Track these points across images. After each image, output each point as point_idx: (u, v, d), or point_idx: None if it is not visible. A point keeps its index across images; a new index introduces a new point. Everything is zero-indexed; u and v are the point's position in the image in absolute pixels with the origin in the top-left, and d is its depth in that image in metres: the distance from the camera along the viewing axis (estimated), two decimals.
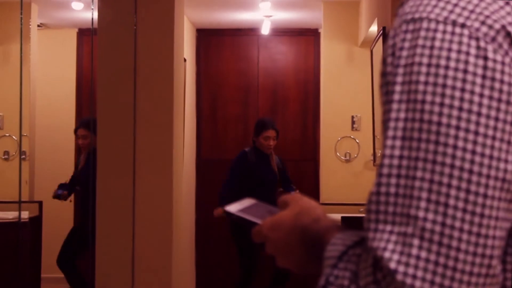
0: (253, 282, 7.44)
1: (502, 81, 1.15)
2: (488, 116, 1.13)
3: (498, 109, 1.14)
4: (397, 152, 1.15)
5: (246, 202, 1.53)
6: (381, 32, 5.31)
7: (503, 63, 1.15)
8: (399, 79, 1.17)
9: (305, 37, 9.10)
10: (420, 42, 1.17)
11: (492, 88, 1.14)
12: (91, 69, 7.13)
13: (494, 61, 1.15)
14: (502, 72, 1.15)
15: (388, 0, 5.03)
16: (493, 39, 1.16)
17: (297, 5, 8.06)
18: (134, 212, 5.70)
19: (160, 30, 5.79)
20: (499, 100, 1.14)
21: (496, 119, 1.13)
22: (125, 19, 5.73)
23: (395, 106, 1.16)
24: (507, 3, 1.19)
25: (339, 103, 7.94)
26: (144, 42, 5.75)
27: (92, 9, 6.06)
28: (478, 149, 1.12)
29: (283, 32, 9.07)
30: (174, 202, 5.86)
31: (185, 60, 7.29)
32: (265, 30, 8.63)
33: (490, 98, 1.14)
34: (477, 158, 1.12)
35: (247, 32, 9.09)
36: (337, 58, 7.96)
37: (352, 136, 7.92)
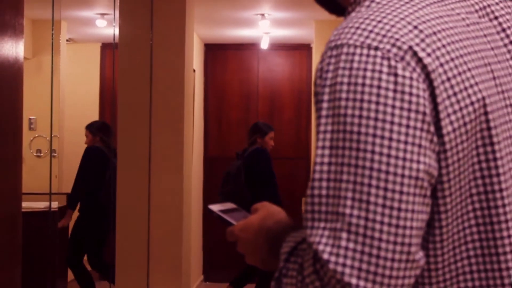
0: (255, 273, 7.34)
1: (410, 94, 1.16)
2: (400, 124, 1.15)
3: (408, 118, 1.16)
4: (326, 160, 1.18)
5: (228, 205, 1.56)
6: None
7: (411, 78, 1.17)
8: (326, 97, 1.19)
9: (299, 51, 9.10)
10: (341, 64, 1.19)
11: (402, 100, 1.16)
12: (112, 78, 7.15)
13: (403, 76, 1.17)
14: (411, 86, 1.16)
15: None
16: (402, 58, 1.18)
17: (292, 23, 8.07)
18: (149, 203, 5.71)
19: (172, 44, 5.80)
20: (409, 110, 1.16)
21: (407, 126, 1.15)
22: (143, 35, 5.74)
23: (323, 120, 1.19)
24: (415, 27, 1.20)
25: None
26: (159, 55, 5.76)
27: (114, 26, 6.07)
28: (393, 152, 1.14)
29: (280, 47, 9.07)
30: (184, 194, 5.86)
31: (194, 70, 7.30)
32: (264, 45, 8.63)
33: (401, 108, 1.16)
34: (392, 161, 1.14)
35: (248, 47, 9.09)
36: None
37: None
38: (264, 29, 8.03)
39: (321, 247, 1.14)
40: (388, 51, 1.18)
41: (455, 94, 1.20)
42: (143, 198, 5.67)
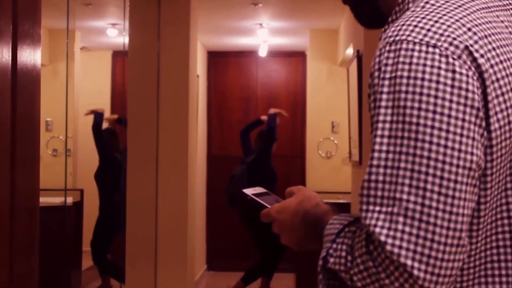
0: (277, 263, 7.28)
1: (467, 90, 1.17)
2: (456, 117, 1.16)
3: (464, 112, 1.16)
4: (384, 148, 1.17)
5: (259, 189, 1.55)
6: (356, 54, 5.31)
7: (467, 76, 1.18)
8: (385, 89, 1.19)
9: (295, 58, 9.11)
10: (401, 59, 1.19)
11: (459, 95, 1.16)
12: (122, 83, 7.14)
13: (461, 73, 1.17)
14: (467, 82, 1.17)
15: (361, 29, 5.03)
16: (459, 57, 1.18)
17: (288, 33, 8.07)
18: (157, 198, 5.71)
19: (178, 52, 5.80)
20: (465, 105, 1.16)
21: (463, 119, 1.16)
22: (150, 44, 5.75)
23: (382, 110, 1.19)
24: (469, 29, 1.21)
25: (321, 111, 7.95)
26: (165, 61, 5.76)
27: (124, 35, 6.07)
28: (449, 143, 1.15)
29: (277, 54, 9.08)
30: (189, 190, 5.86)
31: (198, 76, 7.30)
32: (263, 52, 8.63)
33: (458, 103, 1.16)
34: (448, 151, 1.14)
35: (248, 54, 9.09)
36: (320, 75, 7.97)
37: (331, 138, 7.92)
38: (263, 37, 8.04)
39: (377, 230, 1.14)
40: (446, 49, 1.19)
41: (502, 94, 1.20)
42: (151, 194, 5.67)
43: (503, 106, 1.20)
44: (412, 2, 1.32)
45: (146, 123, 5.68)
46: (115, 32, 7.26)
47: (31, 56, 2.22)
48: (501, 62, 1.22)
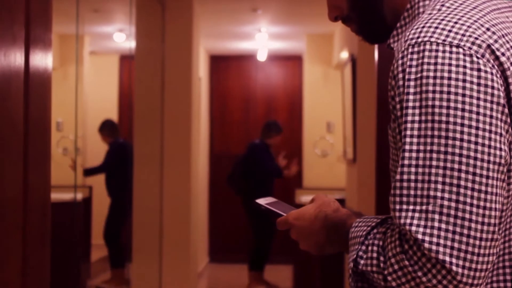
0: (269, 250, 7.29)
1: (492, 87, 1.15)
2: (484, 114, 1.14)
3: (491, 109, 1.15)
4: (414, 147, 1.15)
5: (270, 199, 1.52)
6: (350, 58, 5.32)
7: (492, 73, 1.16)
8: (412, 90, 1.17)
9: (292, 62, 9.11)
10: (426, 60, 1.17)
11: (485, 93, 1.15)
12: (129, 86, 7.15)
13: (485, 72, 1.16)
14: (492, 80, 1.16)
15: (354, 34, 5.03)
16: (482, 55, 1.17)
17: (286, 37, 8.07)
18: (162, 194, 5.72)
19: (181, 56, 5.81)
20: (492, 102, 1.15)
21: (491, 116, 1.14)
22: (156, 48, 5.75)
23: (410, 111, 1.16)
24: (488, 29, 1.20)
25: (317, 112, 7.95)
26: (169, 65, 5.77)
27: (130, 40, 6.07)
28: (479, 140, 1.13)
29: (275, 58, 9.08)
30: (192, 186, 5.87)
31: (200, 78, 7.30)
32: (261, 57, 8.64)
33: (485, 100, 1.15)
34: (479, 148, 1.12)
35: (248, 58, 9.09)
36: (316, 78, 7.97)
37: (327, 137, 7.92)
38: (262, 42, 8.04)
39: (414, 228, 1.12)
40: (470, 48, 1.17)
41: None
42: (156, 190, 5.68)
43: None
44: (423, 7, 1.30)
45: (151, 123, 5.69)
46: (122, 37, 7.26)
47: (42, 60, 2.22)
48: None
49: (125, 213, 6.39)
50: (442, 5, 1.25)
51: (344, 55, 5.99)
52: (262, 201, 1.49)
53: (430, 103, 1.15)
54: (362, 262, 1.22)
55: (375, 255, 1.20)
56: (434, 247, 1.11)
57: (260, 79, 9.14)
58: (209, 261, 8.92)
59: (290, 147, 8.99)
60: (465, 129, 1.13)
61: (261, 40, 7.85)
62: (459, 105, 1.14)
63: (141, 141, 5.70)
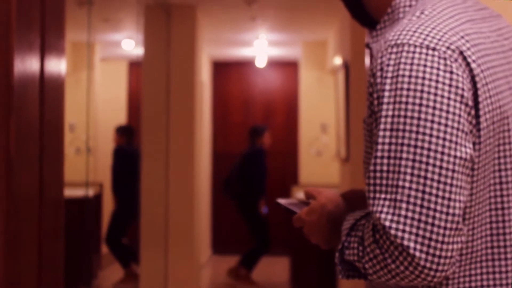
0: (267, 247, 7.22)
1: (463, 89, 1.16)
2: (454, 113, 1.15)
3: (460, 109, 1.16)
4: (387, 140, 1.16)
5: (291, 200, 1.54)
6: (343, 63, 5.32)
7: (462, 77, 1.17)
8: (387, 87, 1.18)
9: (289, 67, 9.11)
10: (403, 60, 1.18)
11: (456, 94, 1.16)
12: (137, 90, 7.15)
13: (457, 75, 1.17)
14: (462, 83, 1.17)
15: (347, 41, 5.04)
16: (455, 60, 1.18)
17: (283, 44, 8.08)
18: (167, 191, 5.72)
19: (186, 62, 5.81)
20: (461, 103, 1.16)
21: (459, 115, 1.15)
22: (162, 55, 5.76)
23: (384, 106, 1.17)
24: (462, 37, 1.21)
25: (312, 114, 7.95)
26: (174, 70, 5.78)
27: (138, 47, 6.07)
28: (447, 137, 1.14)
29: (273, 64, 9.08)
30: (196, 183, 5.88)
31: (203, 83, 7.31)
32: (260, 63, 8.64)
33: (455, 100, 1.16)
34: (447, 143, 1.13)
35: (247, 64, 9.09)
36: (311, 82, 7.97)
37: (321, 138, 7.93)
38: (260, 49, 8.04)
39: (383, 216, 1.13)
40: (444, 52, 1.18)
41: (490, 97, 1.20)
42: (162, 187, 5.68)
43: (490, 107, 1.20)
44: (403, 13, 1.30)
45: (158, 124, 5.70)
46: (130, 45, 7.27)
47: (56, 66, 2.23)
48: (487, 69, 1.22)
49: (131, 215, 6.35)
50: (422, 13, 1.25)
51: (337, 61, 5.99)
52: (283, 201, 1.51)
53: (404, 99, 1.16)
54: (347, 252, 1.23)
55: (355, 245, 1.21)
56: (399, 234, 1.12)
57: (259, 83, 9.15)
58: (212, 253, 8.92)
59: (287, 147, 9.00)
60: (435, 126, 1.14)
61: (260, 47, 7.86)
62: (431, 103, 1.15)
63: (148, 141, 5.70)
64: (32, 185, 1.99)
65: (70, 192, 5.53)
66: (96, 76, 7.35)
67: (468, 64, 1.19)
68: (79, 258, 5.76)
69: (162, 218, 5.68)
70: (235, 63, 9.17)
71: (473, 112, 1.17)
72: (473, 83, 1.19)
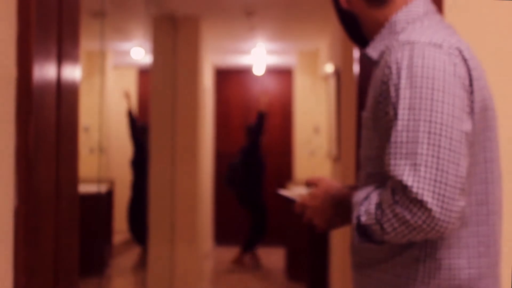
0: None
1: (464, 78, 1.30)
2: (459, 96, 1.27)
3: (463, 93, 1.29)
4: (406, 117, 1.26)
5: (289, 191, 1.61)
6: (334, 70, 5.33)
7: (463, 70, 1.31)
8: (404, 75, 1.28)
9: (284, 74, 9.11)
10: (416, 53, 1.29)
11: (460, 81, 1.29)
12: (146, 95, 7.15)
13: (460, 67, 1.30)
14: (464, 73, 1.30)
15: (338, 50, 5.05)
16: (457, 56, 1.31)
17: (279, 53, 8.08)
18: (174, 186, 5.72)
19: (190, 69, 5.82)
20: (463, 89, 1.29)
21: (462, 98, 1.28)
22: (169, 63, 5.76)
23: (402, 91, 1.27)
24: (458, 41, 1.34)
25: (306, 117, 7.96)
26: (180, 77, 5.78)
27: (147, 56, 6.07)
28: (456, 114, 1.26)
29: (270, 71, 9.08)
30: (199, 179, 5.88)
31: (207, 89, 7.31)
32: (258, 71, 8.63)
33: (459, 87, 1.28)
34: (455, 120, 1.25)
35: (246, 71, 9.09)
36: (305, 88, 7.98)
37: (314, 138, 7.93)
38: (258, 57, 8.05)
39: (405, 178, 1.23)
40: (448, 48, 1.30)
41: (479, 90, 1.33)
42: (168, 183, 5.69)
43: (479, 98, 1.32)
44: (401, 28, 1.41)
45: (165, 126, 5.70)
46: (139, 53, 7.27)
47: (72, 72, 2.23)
48: (475, 68, 1.34)
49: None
50: (422, 24, 1.39)
51: (329, 68, 6.00)
52: (283, 191, 1.60)
53: (418, 84, 1.26)
54: (363, 218, 1.30)
55: (373, 210, 1.29)
56: (420, 191, 1.21)
57: (257, 89, 9.15)
58: (214, 243, 8.92)
59: (283, 147, 9.01)
60: (445, 106, 1.25)
61: (258, 55, 7.86)
62: (441, 88, 1.26)
63: (156, 141, 5.71)
64: (49, 181, 2.00)
65: (84, 188, 5.54)
66: (108, 82, 7.35)
67: (466, 60, 1.31)
68: (92, 248, 5.76)
69: (168, 211, 5.68)
70: (236, 71, 9.17)
71: (471, 98, 1.30)
72: (469, 74, 1.31)
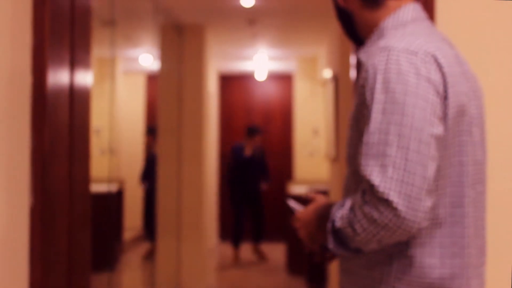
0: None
1: (438, 85, 1.28)
2: (432, 103, 1.25)
3: (436, 100, 1.26)
4: (378, 119, 1.25)
5: (295, 202, 1.58)
6: (333, 76, 5.33)
7: (437, 77, 1.28)
8: (379, 80, 1.27)
9: (285, 79, 9.11)
10: (391, 59, 1.28)
11: (433, 88, 1.27)
12: (154, 100, 7.15)
13: (434, 74, 1.28)
14: (438, 81, 1.28)
15: (336, 57, 5.05)
16: (432, 63, 1.28)
17: (280, 59, 8.08)
18: (180, 185, 5.73)
19: (196, 75, 5.82)
20: (436, 96, 1.27)
21: (433, 102, 1.26)
22: (175, 69, 5.77)
23: (376, 95, 1.26)
24: (436, 49, 1.32)
25: (305, 119, 7.95)
26: (186, 82, 5.78)
27: (155, 62, 6.08)
28: (427, 117, 1.24)
29: (271, 76, 9.08)
30: (204, 178, 5.88)
31: (211, 93, 7.31)
32: (259, 75, 8.64)
33: (432, 94, 1.26)
34: (426, 124, 1.24)
35: (248, 76, 9.10)
36: (304, 92, 7.98)
37: (313, 140, 7.93)
38: (260, 63, 8.05)
39: (373, 177, 1.22)
40: (423, 56, 1.28)
41: (454, 96, 1.30)
42: (175, 182, 5.69)
43: (454, 104, 1.30)
44: (387, 33, 1.39)
45: (172, 129, 5.71)
46: (148, 60, 7.27)
47: (84, 78, 2.23)
48: (452, 75, 1.31)
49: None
50: (403, 31, 1.36)
51: (327, 74, 6.00)
52: (291, 203, 1.57)
53: (391, 89, 1.25)
54: (337, 223, 1.30)
55: (346, 214, 1.28)
56: (386, 191, 1.20)
57: (259, 93, 9.15)
58: (219, 239, 8.92)
59: (284, 148, 9.00)
60: (416, 110, 1.23)
61: (260, 61, 7.86)
62: (413, 93, 1.24)
63: (164, 143, 5.71)
64: (63, 181, 2.00)
65: (95, 188, 5.54)
66: (118, 87, 7.35)
67: (441, 68, 1.29)
68: (104, 245, 5.76)
69: (175, 208, 5.68)
70: (239, 76, 9.17)
71: (444, 103, 1.28)
72: (444, 79, 1.29)
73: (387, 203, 1.19)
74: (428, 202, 1.21)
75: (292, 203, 1.54)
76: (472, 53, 1.85)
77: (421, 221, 1.21)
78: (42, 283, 1.81)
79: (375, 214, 1.21)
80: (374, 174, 1.21)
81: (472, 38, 2.07)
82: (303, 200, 1.54)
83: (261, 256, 7.30)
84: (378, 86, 1.26)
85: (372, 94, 1.27)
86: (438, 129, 1.25)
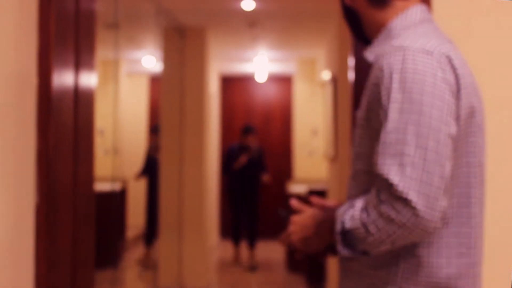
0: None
1: (452, 85, 1.26)
2: (448, 103, 1.24)
3: (450, 100, 1.25)
4: (396, 119, 1.23)
5: (287, 211, 1.54)
6: (331, 77, 5.33)
7: (451, 76, 1.27)
8: (395, 79, 1.25)
9: (285, 81, 9.11)
10: (407, 59, 1.26)
11: (448, 88, 1.25)
12: (157, 101, 7.17)
13: (449, 73, 1.26)
14: (452, 81, 1.27)
15: (335, 58, 5.05)
16: (446, 63, 1.27)
17: (280, 61, 8.09)
18: (182, 183, 5.73)
19: (197, 76, 5.83)
20: (451, 95, 1.25)
21: (449, 102, 1.25)
22: (177, 70, 5.77)
23: (393, 95, 1.24)
24: (449, 50, 1.31)
25: (304, 120, 7.96)
26: (188, 84, 5.79)
27: (158, 64, 6.08)
28: (443, 118, 1.23)
29: (271, 78, 9.08)
30: (206, 177, 5.88)
31: (213, 94, 7.31)
32: (260, 78, 8.64)
33: (448, 94, 1.25)
34: (442, 124, 1.23)
35: (249, 78, 9.10)
36: (303, 93, 7.98)
37: (312, 140, 7.93)
38: (260, 64, 8.05)
39: (391, 176, 1.19)
40: (439, 56, 1.27)
41: (467, 97, 1.29)
42: (177, 181, 5.70)
43: (466, 105, 1.29)
44: (398, 33, 1.37)
45: (174, 129, 5.71)
46: (151, 61, 7.28)
47: (88, 80, 2.24)
48: (464, 76, 1.30)
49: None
50: (415, 32, 1.34)
51: (326, 75, 6.01)
52: (282, 212, 1.53)
53: (408, 89, 1.23)
54: (348, 224, 1.26)
55: (358, 215, 1.25)
56: (405, 190, 1.18)
57: (259, 94, 9.15)
58: (220, 236, 8.92)
59: (283, 148, 9.01)
60: (433, 110, 1.22)
61: (260, 62, 7.86)
62: (430, 93, 1.23)
63: (166, 143, 5.72)
64: (67, 180, 2.01)
65: (99, 187, 5.54)
66: (121, 89, 7.36)
67: (455, 69, 1.28)
68: (107, 243, 5.77)
69: (177, 207, 5.69)
70: (240, 78, 9.18)
71: (458, 104, 1.27)
72: (457, 79, 1.28)
73: (405, 202, 1.17)
74: (444, 202, 1.20)
75: (284, 213, 1.49)
76: (468, 53, 1.85)
77: (438, 220, 1.19)
78: (47, 279, 1.82)
79: (392, 214, 1.19)
80: (392, 173, 1.19)
81: (469, 38, 2.07)
82: (304, 200, 1.50)
83: (253, 265, 7.07)
84: (395, 85, 1.24)
85: (389, 93, 1.25)
86: (453, 130, 1.24)
